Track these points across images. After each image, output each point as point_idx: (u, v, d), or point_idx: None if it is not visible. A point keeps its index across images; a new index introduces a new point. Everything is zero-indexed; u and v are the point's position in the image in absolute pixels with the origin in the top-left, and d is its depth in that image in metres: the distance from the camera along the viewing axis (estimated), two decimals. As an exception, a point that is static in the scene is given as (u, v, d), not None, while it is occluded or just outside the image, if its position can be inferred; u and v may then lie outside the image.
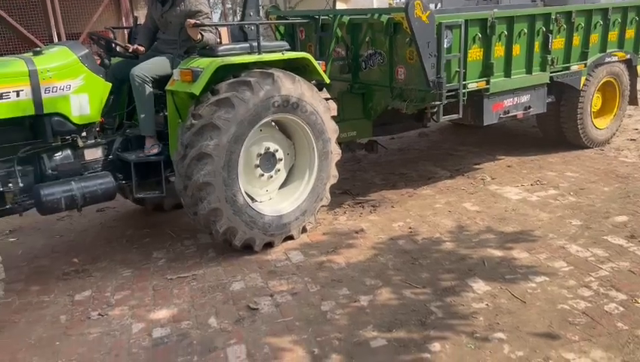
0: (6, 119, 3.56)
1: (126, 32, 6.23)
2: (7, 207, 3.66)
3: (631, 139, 6.77)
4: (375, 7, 11.47)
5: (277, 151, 4.32)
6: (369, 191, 5.39)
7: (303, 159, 4.47)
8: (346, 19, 5.23)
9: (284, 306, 3.41)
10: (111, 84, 4.04)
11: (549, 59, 5.59)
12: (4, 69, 3.55)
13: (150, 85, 4.04)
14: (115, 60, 4.35)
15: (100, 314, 3.43)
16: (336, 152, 4.57)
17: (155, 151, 4.10)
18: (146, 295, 3.65)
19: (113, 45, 4.34)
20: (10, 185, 3.62)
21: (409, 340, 2.98)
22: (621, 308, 3.16)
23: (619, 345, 2.84)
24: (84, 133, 3.97)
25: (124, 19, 9.89)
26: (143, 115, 4.06)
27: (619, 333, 2.93)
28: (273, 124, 4.33)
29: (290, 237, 4.34)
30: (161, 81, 4.10)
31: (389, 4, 12.81)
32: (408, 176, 5.83)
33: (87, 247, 4.46)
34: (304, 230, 4.46)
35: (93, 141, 4.03)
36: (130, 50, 4.27)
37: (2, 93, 3.50)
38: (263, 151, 4.23)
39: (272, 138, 4.31)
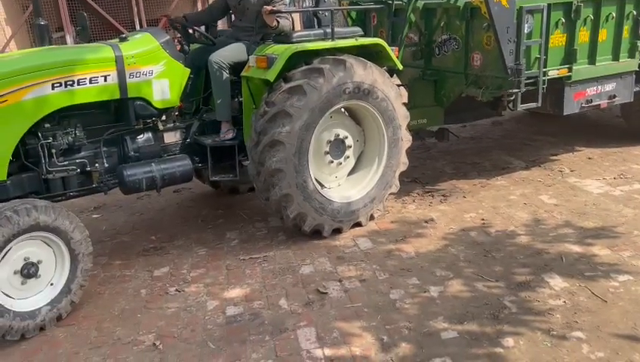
0: (94, 102, 3.76)
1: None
2: (94, 185, 3.88)
3: None
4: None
5: (346, 137, 4.32)
6: (439, 180, 5.30)
7: (373, 146, 4.44)
8: (420, 3, 5.12)
9: (353, 292, 3.43)
10: (189, 70, 4.17)
11: (639, 45, 5.23)
12: (93, 54, 3.75)
13: (227, 71, 4.13)
14: (193, 47, 4.49)
15: (177, 290, 3.59)
16: (406, 139, 4.51)
17: (230, 135, 4.21)
18: (220, 273, 3.79)
19: (191, 31, 4.48)
20: (97, 165, 3.84)
21: (481, 334, 2.92)
22: None
23: None
24: (164, 117, 4.13)
25: (199, 4, 10.18)
26: (219, 101, 4.17)
27: None
28: (343, 110, 4.33)
29: (359, 224, 4.35)
30: (237, 68, 4.19)
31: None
32: (481, 165, 5.67)
33: (165, 226, 4.68)
34: (372, 217, 4.45)
35: (172, 125, 4.19)
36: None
37: (91, 78, 3.69)
38: (332, 138, 4.24)
39: (341, 124, 4.31)
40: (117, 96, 3.82)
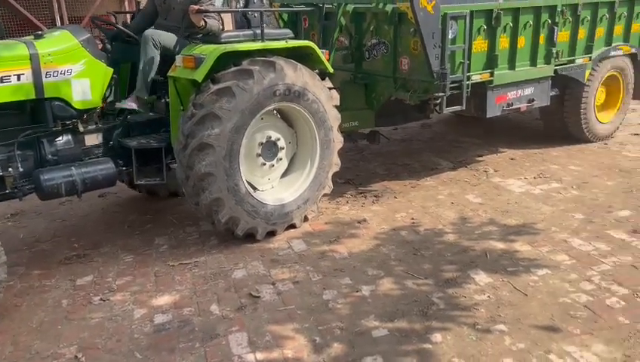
0: (7, 103, 3.55)
1: (128, 16, 6.18)
2: (7, 191, 3.65)
3: (634, 134, 6.75)
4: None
5: (279, 139, 4.29)
6: (371, 181, 5.38)
7: (305, 148, 4.45)
8: (350, 7, 5.18)
9: (286, 294, 3.41)
10: (112, 70, 4.00)
11: (554, 51, 5.55)
12: (5, 52, 3.52)
13: (159, 51, 3.99)
14: (116, 45, 4.31)
15: (101, 299, 3.43)
16: (338, 140, 4.55)
17: (134, 106, 4.02)
18: (147, 281, 3.65)
19: (115, 29, 4.30)
20: (10, 169, 3.61)
21: (410, 330, 2.98)
22: (622, 303, 3.16)
23: (620, 339, 2.84)
24: (85, 118, 3.94)
25: (127, 3, 9.83)
26: (143, 76, 4.00)
27: (620, 327, 2.93)
28: (275, 112, 4.31)
29: (293, 226, 4.33)
30: (165, 57, 4.04)
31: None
32: (411, 166, 5.82)
33: (89, 232, 4.46)
34: (306, 219, 4.45)
35: (94, 126, 4.01)
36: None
37: (3, 77, 3.48)
38: (264, 140, 4.20)
39: (273, 126, 4.28)
40: (32, 96, 3.62)
